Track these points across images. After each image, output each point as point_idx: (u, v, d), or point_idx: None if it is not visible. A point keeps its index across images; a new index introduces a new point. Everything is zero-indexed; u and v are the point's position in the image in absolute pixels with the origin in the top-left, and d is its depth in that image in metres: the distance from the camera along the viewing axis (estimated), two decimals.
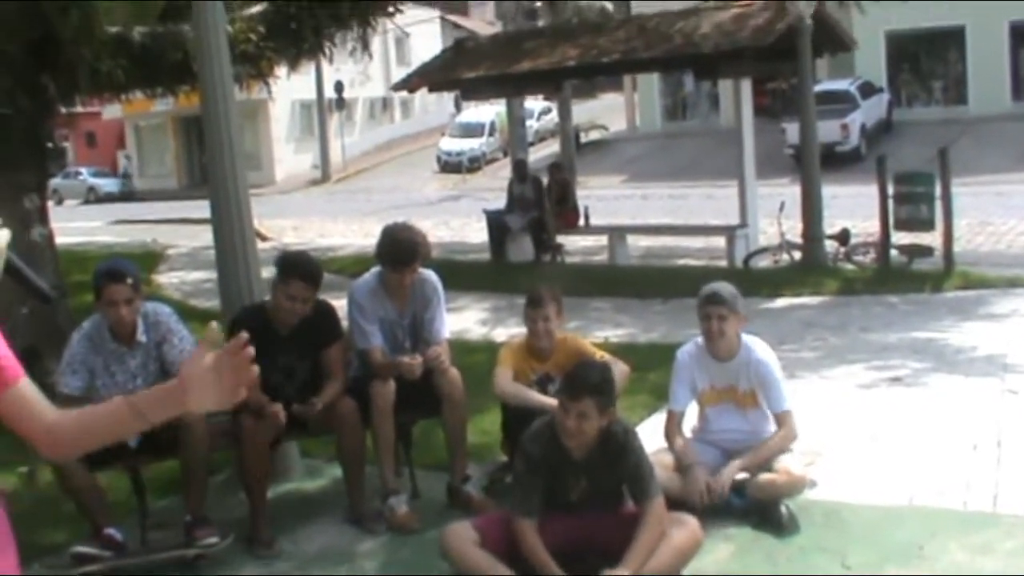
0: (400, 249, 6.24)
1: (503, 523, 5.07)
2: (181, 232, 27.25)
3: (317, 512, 6.42)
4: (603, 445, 4.96)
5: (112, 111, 42.55)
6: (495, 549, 4.95)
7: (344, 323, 6.48)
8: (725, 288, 5.99)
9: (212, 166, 6.94)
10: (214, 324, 2.32)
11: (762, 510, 5.64)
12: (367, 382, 6.20)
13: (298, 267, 6.10)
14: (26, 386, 2.35)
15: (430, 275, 6.51)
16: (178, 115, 48.29)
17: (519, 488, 5.15)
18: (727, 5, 16.76)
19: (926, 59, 38.72)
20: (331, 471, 7.01)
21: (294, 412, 5.95)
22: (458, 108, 48.71)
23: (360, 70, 35.97)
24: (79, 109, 15.31)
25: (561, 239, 18.32)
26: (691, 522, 5.04)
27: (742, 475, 5.85)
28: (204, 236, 24.78)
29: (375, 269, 6.45)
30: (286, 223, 29.35)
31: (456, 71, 19.22)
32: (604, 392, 4.91)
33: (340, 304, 6.48)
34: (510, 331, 11.42)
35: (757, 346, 6.05)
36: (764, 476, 5.67)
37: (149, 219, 33.47)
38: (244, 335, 2.26)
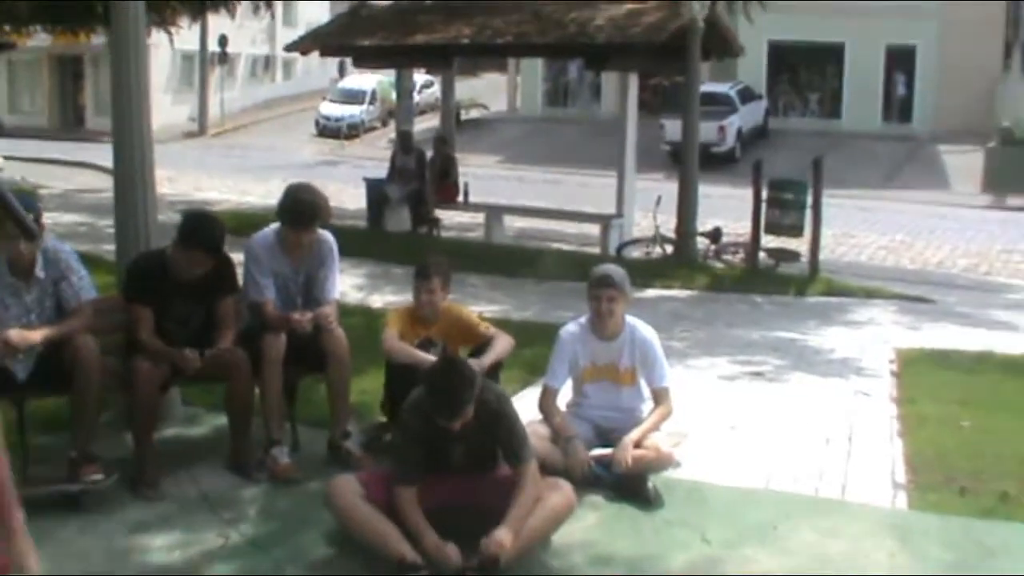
0: (301, 210, 6.37)
1: (386, 479, 5.24)
2: (54, 173, 26.68)
3: (199, 458, 6.48)
4: (477, 413, 5.15)
5: None
6: (378, 503, 5.11)
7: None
8: (616, 271, 6.29)
9: (118, 110, 6.92)
10: None
11: (630, 484, 5.90)
12: (257, 334, 6.31)
13: (202, 240, 6.11)
14: None
15: (327, 236, 6.65)
16: (54, 53, 47.03)
17: (399, 457, 5.31)
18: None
19: (805, 71, 39.84)
20: (211, 419, 7.11)
21: (204, 356, 6.05)
22: (342, 74, 48.37)
23: (262, 27, 35.03)
24: None
25: (439, 213, 18.50)
26: (565, 487, 5.31)
27: (606, 450, 6.14)
28: (77, 179, 24.45)
29: (274, 225, 6.57)
30: (161, 173, 28.23)
31: (350, 37, 19.23)
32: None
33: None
34: (386, 298, 11.63)
35: (640, 326, 6.36)
36: (634, 452, 5.97)
37: (18, 156, 32.56)
38: None
